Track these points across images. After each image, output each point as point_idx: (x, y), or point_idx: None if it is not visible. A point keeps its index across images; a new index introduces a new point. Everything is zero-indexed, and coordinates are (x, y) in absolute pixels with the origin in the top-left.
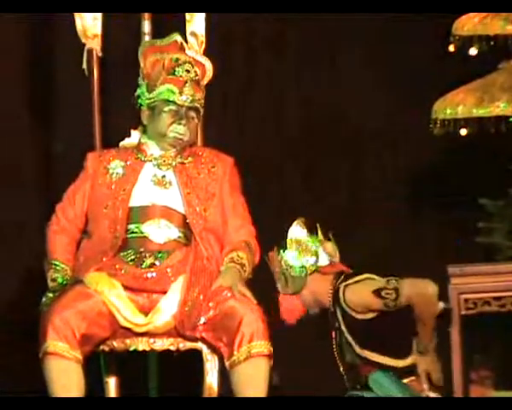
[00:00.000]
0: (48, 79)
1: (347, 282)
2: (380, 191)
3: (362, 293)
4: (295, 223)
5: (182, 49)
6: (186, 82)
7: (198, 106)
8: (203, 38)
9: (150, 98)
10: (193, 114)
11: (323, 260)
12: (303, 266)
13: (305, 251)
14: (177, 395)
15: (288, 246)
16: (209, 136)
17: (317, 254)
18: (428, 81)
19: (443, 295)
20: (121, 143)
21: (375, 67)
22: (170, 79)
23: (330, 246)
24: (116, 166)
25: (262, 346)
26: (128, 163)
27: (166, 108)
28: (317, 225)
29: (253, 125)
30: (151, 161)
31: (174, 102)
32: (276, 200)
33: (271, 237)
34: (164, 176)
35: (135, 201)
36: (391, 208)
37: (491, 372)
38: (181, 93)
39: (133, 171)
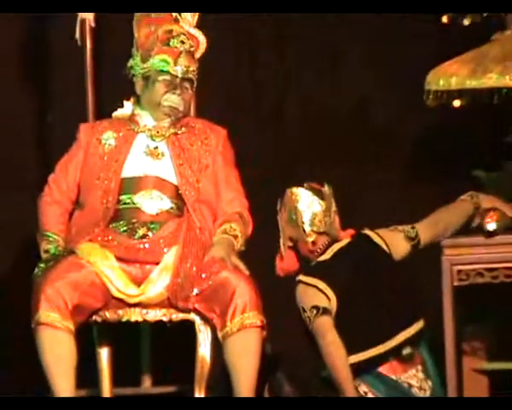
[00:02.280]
0: (41, 50)
1: None
2: (374, 163)
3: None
4: (309, 194)
5: (176, 21)
6: (181, 53)
7: (192, 77)
8: (196, 16)
9: (144, 68)
10: (187, 84)
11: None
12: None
13: (309, 214)
14: (170, 365)
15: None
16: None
17: (316, 224)
18: (422, 53)
19: (436, 266)
20: (114, 114)
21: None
22: (165, 49)
23: (332, 219)
24: (108, 138)
25: (255, 317)
26: (121, 134)
27: (160, 78)
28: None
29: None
30: (144, 132)
31: (168, 72)
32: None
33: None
34: (156, 147)
35: (127, 171)
36: (384, 180)
37: (484, 344)
38: (175, 63)
39: (126, 142)
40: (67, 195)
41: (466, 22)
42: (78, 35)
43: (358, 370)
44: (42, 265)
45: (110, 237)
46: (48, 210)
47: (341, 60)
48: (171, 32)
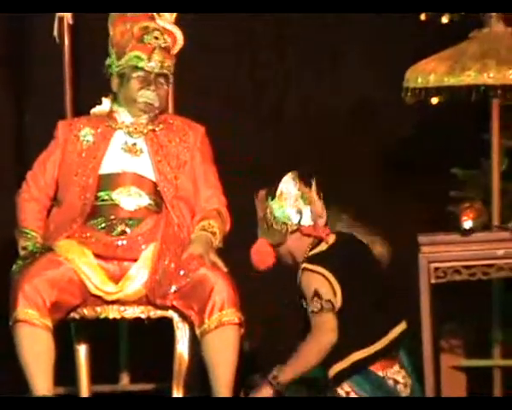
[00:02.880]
0: (18, 48)
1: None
2: (354, 161)
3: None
4: (289, 175)
5: (151, 17)
6: (154, 49)
7: (167, 72)
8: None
9: (119, 66)
10: (162, 80)
11: (306, 220)
12: (285, 223)
13: (290, 206)
14: (148, 362)
15: (276, 196)
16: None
17: (301, 213)
18: (400, 50)
19: (413, 264)
20: (92, 111)
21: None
22: (138, 46)
23: (320, 205)
24: (86, 134)
25: (233, 314)
26: (99, 131)
27: (135, 75)
28: (312, 181)
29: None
30: (122, 128)
31: (142, 69)
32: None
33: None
34: (135, 143)
35: (105, 168)
36: (363, 177)
37: (462, 341)
38: (149, 59)
39: (104, 138)
40: (45, 191)
41: (444, 20)
42: (56, 33)
43: (353, 366)
44: (20, 262)
45: (88, 234)
46: (26, 207)
47: (341, 60)
48: (146, 28)
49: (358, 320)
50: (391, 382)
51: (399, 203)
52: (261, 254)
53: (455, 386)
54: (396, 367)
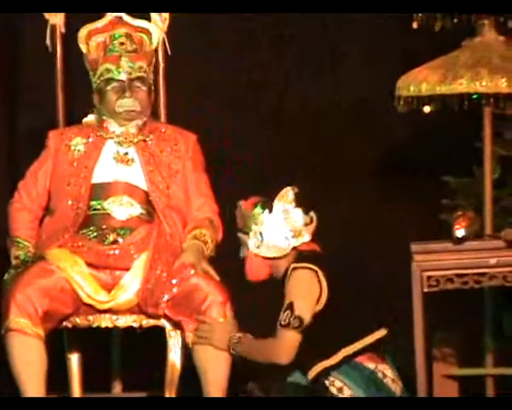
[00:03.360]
0: (12, 55)
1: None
2: (347, 168)
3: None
4: (289, 193)
5: (122, 23)
6: (121, 56)
7: (141, 75)
8: (167, 15)
9: (95, 82)
10: (138, 83)
11: (305, 239)
12: (284, 242)
13: (290, 225)
14: (140, 371)
15: (274, 211)
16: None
17: (301, 235)
18: (392, 58)
19: (407, 273)
20: (84, 120)
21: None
22: (106, 57)
23: (312, 226)
24: (78, 144)
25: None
26: (90, 140)
27: (109, 87)
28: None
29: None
30: (112, 138)
31: (114, 79)
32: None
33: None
34: (126, 153)
35: (97, 177)
36: (356, 185)
37: (454, 350)
38: (118, 68)
39: (95, 148)
40: (37, 201)
41: (436, 28)
42: (48, 41)
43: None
44: (12, 271)
45: (80, 243)
46: (18, 216)
47: (340, 61)
48: (111, 37)
49: (344, 317)
50: (380, 375)
51: (392, 211)
52: (255, 270)
53: (447, 395)
54: (384, 364)
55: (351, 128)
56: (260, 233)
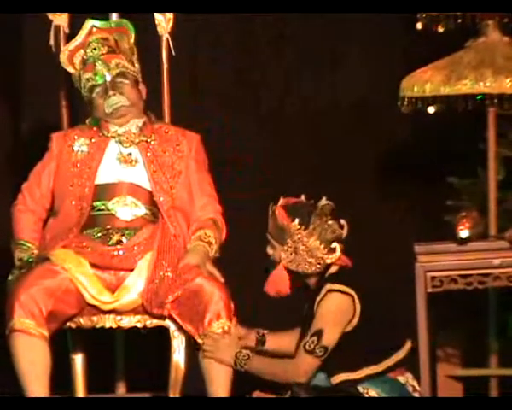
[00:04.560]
0: (15, 56)
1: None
2: (348, 170)
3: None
4: (326, 207)
5: (96, 30)
6: (95, 62)
7: (120, 70)
8: (171, 16)
9: (84, 95)
10: (119, 79)
11: (338, 254)
12: (321, 257)
13: (325, 240)
14: (144, 371)
15: (310, 228)
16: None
17: (335, 250)
18: (396, 59)
19: (410, 273)
20: (88, 120)
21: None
22: (84, 69)
23: (343, 239)
24: (81, 145)
25: (229, 324)
26: (93, 141)
27: (94, 94)
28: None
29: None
30: (115, 137)
31: (95, 85)
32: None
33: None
34: (130, 153)
35: (101, 178)
36: (360, 187)
37: (458, 350)
38: (95, 74)
39: (98, 148)
40: (41, 203)
41: (440, 29)
42: (52, 41)
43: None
44: (16, 271)
45: (84, 244)
46: (21, 218)
47: (341, 61)
48: (86, 47)
49: (370, 338)
50: (410, 388)
51: (396, 212)
52: (276, 283)
53: (451, 395)
54: (412, 378)
55: (352, 128)
56: (295, 249)
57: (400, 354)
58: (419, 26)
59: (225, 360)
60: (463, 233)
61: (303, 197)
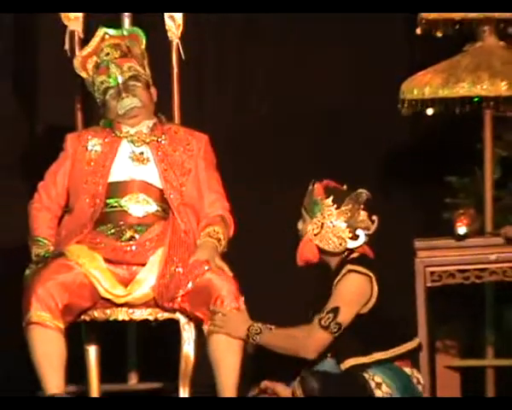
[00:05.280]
0: (32, 59)
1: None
2: (348, 168)
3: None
4: (362, 195)
5: (109, 37)
6: (108, 65)
7: (132, 74)
8: (180, 22)
9: (98, 98)
10: (132, 82)
11: (361, 242)
12: (344, 239)
13: (352, 226)
14: (156, 362)
15: (342, 208)
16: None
17: (359, 237)
18: (397, 63)
19: (409, 268)
20: (101, 122)
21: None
22: (98, 72)
23: (372, 231)
24: (95, 144)
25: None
26: (106, 140)
27: (107, 96)
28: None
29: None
30: (127, 137)
31: (109, 87)
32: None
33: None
34: (142, 152)
35: (114, 176)
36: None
37: (456, 342)
38: (109, 77)
39: (111, 148)
40: (56, 201)
41: (439, 34)
42: (67, 46)
43: (371, 364)
44: (32, 266)
45: (98, 240)
46: (38, 216)
47: (338, 64)
48: (99, 52)
49: (383, 324)
50: (415, 380)
51: (396, 209)
52: (307, 251)
53: (449, 385)
54: (418, 371)
55: (354, 129)
56: (322, 224)
57: (408, 346)
58: (418, 31)
59: (237, 333)
60: (461, 230)
61: (345, 187)
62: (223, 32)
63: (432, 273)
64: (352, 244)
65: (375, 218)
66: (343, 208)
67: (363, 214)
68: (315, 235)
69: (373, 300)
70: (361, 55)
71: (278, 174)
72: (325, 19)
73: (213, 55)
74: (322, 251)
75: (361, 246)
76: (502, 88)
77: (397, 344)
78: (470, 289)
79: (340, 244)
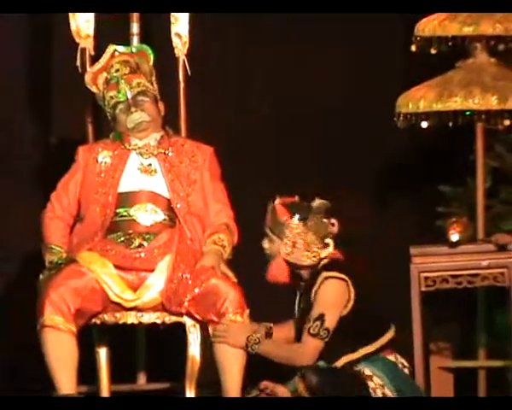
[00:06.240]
0: (45, 75)
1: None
2: (345, 178)
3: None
4: (323, 206)
5: (119, 54)
6: (118, 81)
7: (141, 89)
8: (186, 39)
9: (108, 112)
10: (140, 97)
11: (331, 249)
12: (317, 251)
13: (320, 236)
14: (163, 364)
15: (308, 224)
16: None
17: (329, 245)
18: (397, 63)
19: (405, 274)
20: (111, 135)
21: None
22: (108, 88)
23: (335, 235)
24: (105, 157)
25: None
26: (116, 153)
27: (117, 110)
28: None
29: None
30: (135, 149)
31: (118, 102)
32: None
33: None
34: (150, 164)
35: (123, 187)
36: (358, 195)
37: (449, 344)
38: (119, 92)
39: (120, 160)
40: (68, 210)
41: (433, 51)
42: (78, 62)
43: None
44: (46, 272)
45: (108, 247)
46: (51, 225)
47: (341, 63)
48: (110, 68)
49: (365, 321)
50: (400, 365)
51: (391, 218)
52: (276, 272)
53: (443, 385)
54: (398, 355)
55: (351, 134)
56: (294, 243)
57: (389, 335)
58: (413, 48)
59: (237, 343)
60: (454, 237)
61: (297, 198)
62: (223, 32)
63: (426, 279)
64: (324, 253)
65: (334, 221)
66: (309, 223)
67: (325, 222)
68: (287, 254)
69: (351, 302)
70: (361, 55)
71: (279, 174)
72: (325, 19)
73: (213, 55)
74: (294, 266)
75: (332, 252)
76: (492, 102)
77: (378, 337)
78: (463, 294)
79: (314, 257)
